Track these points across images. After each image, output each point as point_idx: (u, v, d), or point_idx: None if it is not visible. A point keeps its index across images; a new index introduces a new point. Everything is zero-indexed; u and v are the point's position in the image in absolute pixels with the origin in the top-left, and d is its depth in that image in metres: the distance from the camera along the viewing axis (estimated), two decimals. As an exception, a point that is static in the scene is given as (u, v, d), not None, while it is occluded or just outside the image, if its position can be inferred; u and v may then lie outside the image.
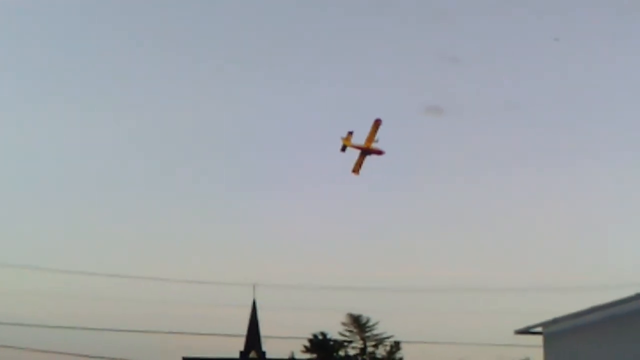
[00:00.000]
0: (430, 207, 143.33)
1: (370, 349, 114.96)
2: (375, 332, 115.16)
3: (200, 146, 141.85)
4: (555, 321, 30.58)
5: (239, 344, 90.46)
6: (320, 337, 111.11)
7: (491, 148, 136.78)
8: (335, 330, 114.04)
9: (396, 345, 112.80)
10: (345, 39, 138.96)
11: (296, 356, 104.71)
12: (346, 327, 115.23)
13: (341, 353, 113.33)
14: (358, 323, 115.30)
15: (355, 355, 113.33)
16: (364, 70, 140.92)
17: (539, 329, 31.78)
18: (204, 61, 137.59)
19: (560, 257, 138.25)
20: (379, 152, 27.30)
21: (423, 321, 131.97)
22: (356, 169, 27.79)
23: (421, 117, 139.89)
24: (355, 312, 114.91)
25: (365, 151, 25.87)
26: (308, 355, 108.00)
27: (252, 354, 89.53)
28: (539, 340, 32.36)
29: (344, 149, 27.32)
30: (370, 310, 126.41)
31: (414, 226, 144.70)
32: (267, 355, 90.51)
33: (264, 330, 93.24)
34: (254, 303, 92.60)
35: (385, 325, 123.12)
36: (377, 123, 24.63)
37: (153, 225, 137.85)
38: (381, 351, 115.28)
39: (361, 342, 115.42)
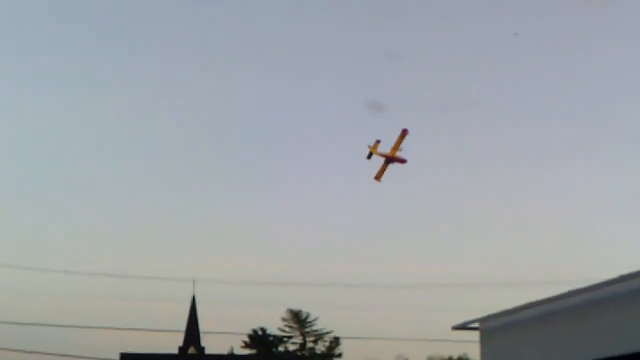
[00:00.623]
0: (368, 205, 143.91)
1: (309, 345, 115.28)
2: (315, 327, 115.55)
3: (138, 141, 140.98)
4: (491, 317, 30.88)
5: (178, 340, 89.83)
6: (259, 332, 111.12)
7: (432, 144, 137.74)
8: (275, 325, 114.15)
9: (335, 341, 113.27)
10: (284, 37, 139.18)
11: (235, 352, 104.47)
12: (286, 323, 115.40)
13: (281, 348, 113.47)
14: (298, 319, 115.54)
15: (295, 351, 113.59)
16: (303, 67, 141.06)
17: (476, 325, 32.03)
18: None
19: (497, 254, 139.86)
20: (402, 161, 28.06)
21: (362, 317, 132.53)
22: (379, 176, 28.44)
23: (362, 113, 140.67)
24: (295, 307, 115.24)
25: (390, 159, 26.38)
26: (247, 351, 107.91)
27: (191, 350, 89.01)
28: (475, 335, 32.62)
29: (370, 156, 27.85)
30: (310, 306, 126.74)
31: (352, 224, 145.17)
32: (206, 351, 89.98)
33: (203, 325, 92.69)
34: (194, 298, 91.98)
35: (325, 321, 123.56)
36: (404, 133, 25.15)
37: (91, 221, 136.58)
38: (321, 347, 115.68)
39: (301, 337, 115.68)
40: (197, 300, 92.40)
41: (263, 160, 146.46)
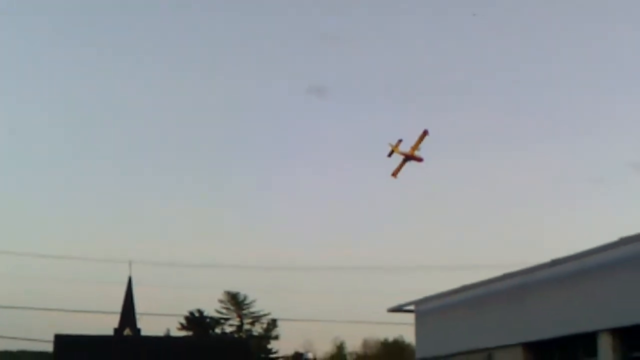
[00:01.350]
0: (304, 190, 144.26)
1: (247, 327, 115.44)
2: (252, 309, 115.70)
3: (67, 120, 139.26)
4: (426, 300, 31.28)
5: (114, 322, 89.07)
6: (196, 314, 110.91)
7: (374, 128, 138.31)
8: (212, 307, 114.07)
9: (273, 323, 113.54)
10: (223, 22, 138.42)
11: (172, 333, 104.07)
12: (223, 305, 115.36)
13: (218, 330, 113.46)
14: (235, 301, 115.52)
15: (232, 333, 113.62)
16: (244, 51, 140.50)
17: (411, 307, 32.43)
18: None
19: (433, 239, 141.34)
20: (420, 159, 29.19)
21: (299, 300, 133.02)
22: (395, 173, 29.77)
23: (302, 97, 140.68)
24: (233, 290, 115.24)
25: (408, 157, 27.43)
26: (184, 333, 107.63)
27: (127, 331, 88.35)
28: (411, 318, 33.03)
29: (391, 154, 28.92)
30: (248, 289, 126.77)
31: (290, 208, 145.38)
32: (142, 333, 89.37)
33: (139, 307, 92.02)
34: (130, 280, 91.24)
35: (263, 303, 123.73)
36: (425, 133, 26.22)
37: (24, 202, 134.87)
38: (258, 328, 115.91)
39: (238, 319, 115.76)
40: (133, 282, 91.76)
41: (198, 144, 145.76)
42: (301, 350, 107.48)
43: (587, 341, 22.41)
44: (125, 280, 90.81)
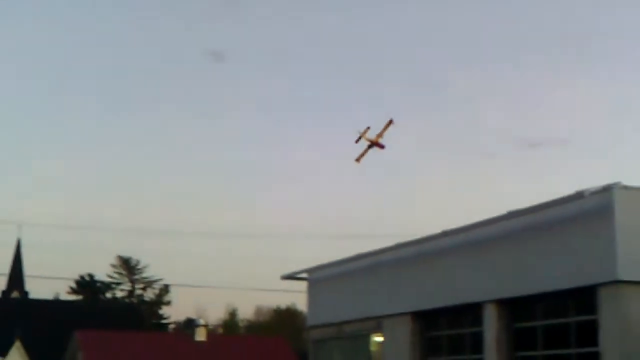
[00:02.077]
0: (197, 157, 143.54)
1: (138, 292, 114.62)
2: (144, 275, 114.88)
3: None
4: (319, 268, 31.57)
5: (1, 284, 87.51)
6: (87, 278, 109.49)
7: (269, 93, 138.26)
8: (103, 272, 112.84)
9: (165, 289, 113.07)
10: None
11: (61, 297, 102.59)
12: (115, 270, 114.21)
13: (109, 295, 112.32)
14: (127, 266, 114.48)
15: (123, 298, 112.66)
16: (139, 15, 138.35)
17: (304, 275, 32.69)
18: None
19: (326, 208, 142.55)
20: (382, 146, 30.18)
21: (192, 266, 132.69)
22: (359, 159, 30.79)
23: (202, 61, 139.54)
24: (125, 254, 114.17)
25: (373, 144, 28.23)
26: (74, 297, 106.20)
27: (15, 294, 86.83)
28: (303, 285, 33.31)
29: (358, 140, 30.02)
30: (140, 254, 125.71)
31: (185, 174, 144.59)
32: (31, 296, 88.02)
33: (28, 270, 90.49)
34: (19, 242, 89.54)
35: (155, 268, 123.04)
36: (390, 122, 27.06)
37: None
38: (150, 294, 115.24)
39: (130, 284, 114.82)
40: (22, 244, 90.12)
41: (92, 105, 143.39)
42: (193, 317, 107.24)
43: (473, 311, 23.04)
44: (14, 242, 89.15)
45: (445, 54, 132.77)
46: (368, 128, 24.52)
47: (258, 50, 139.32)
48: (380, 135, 23.66)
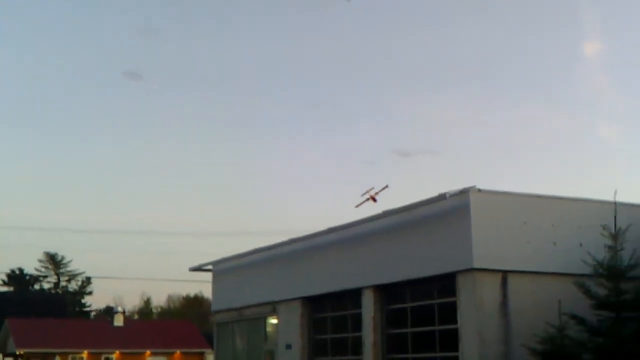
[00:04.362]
0: (117, 157, 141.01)
1: (63, 284, 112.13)
2: (68, 268, 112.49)
3: None
4: (223, 260, 31.42)
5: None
6: (17, 272, 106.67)
7: (178, 114, 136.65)
8: (32, 266, 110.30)
9: (87, 280, 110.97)
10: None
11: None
12: (42, 264, 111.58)
13: (37, 287, 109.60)
14: (53, 260, 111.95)
15: (50, 289, 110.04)
16: (59, 34, 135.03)
17: (210, 267, 32.46)
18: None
19: (230, 207, 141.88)
20: (375, 200, 24.95)
21: (111, 260, 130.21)
22: (358, 206, 25.48)
23: (118, 81, 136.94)
24: (51, 250, 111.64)
25: (370, 198, 24.61)
26: (5, 289, 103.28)
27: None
28: (209, 276, 33.07)
29: (363, 194, 25.18)
30: (65, 249, 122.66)
31: (108, 174, 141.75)
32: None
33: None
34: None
35: (78, 262, 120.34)
36: (386, 187, 24.19)
37: None
38: (73, 285, 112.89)
39: (56, 277, 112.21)
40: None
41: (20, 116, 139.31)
42: (112, 305, 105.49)
43: (354, 295, 23.20)
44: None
45: (333, 77, 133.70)
46: (372, 188, 24.26)
47: (172, 70, 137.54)
48: (377, 194, 23.63)
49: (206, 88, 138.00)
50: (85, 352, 74.91)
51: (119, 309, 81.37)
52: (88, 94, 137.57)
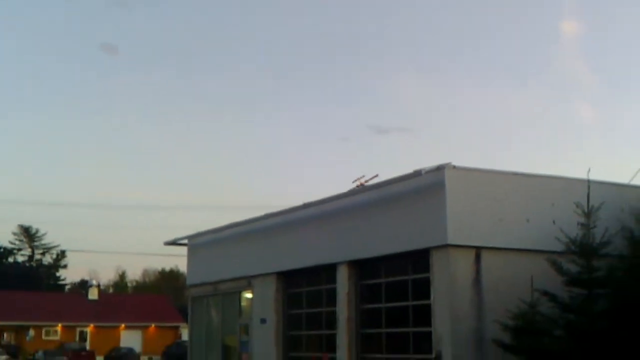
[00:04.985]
0: (97, 134, 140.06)
1: (38, 257, 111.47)
2: (43, 241, 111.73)
3: None
4: (198, 234, 31.36)
5: None
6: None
7: (153, 89, 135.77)
8: (6, 239, 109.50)
9: (62, 254, 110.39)
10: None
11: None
12: (16, 237, 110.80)
13: (10, 260, 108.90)
14: (28, 233, 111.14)
15: (24, 262, 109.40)
16: (40, 10, 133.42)
17: (185, 241, 32.39)
18: None
19: (205, 182, 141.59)
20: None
21: (86, 233, 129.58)
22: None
23: (96, 53, 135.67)
24: (26, 223, 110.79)
25: (361, 184, 23.62)
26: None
27: None
28: (184, 250, 33.01)
29: (355, 181, 24.50)
30: (39, 222, 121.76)
31: (82, 150, 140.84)
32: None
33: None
34: None
35: (52, 235, 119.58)
36: (376, 175, 23.52)
37: None
38: (48, 258, 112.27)
39: (30, 250, 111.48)
40: None
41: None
42: (87, 278, 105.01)
43: (328, 271, 23.25)
44: None
45: (310, 53, 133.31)
46: (363, 176, 24.04)
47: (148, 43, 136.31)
48: (367, 181, 23.52)
49: (180, 62, 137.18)
50: (60, 325, 74.74)
51: (94, 282, 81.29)
52: (63, 67, 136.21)
